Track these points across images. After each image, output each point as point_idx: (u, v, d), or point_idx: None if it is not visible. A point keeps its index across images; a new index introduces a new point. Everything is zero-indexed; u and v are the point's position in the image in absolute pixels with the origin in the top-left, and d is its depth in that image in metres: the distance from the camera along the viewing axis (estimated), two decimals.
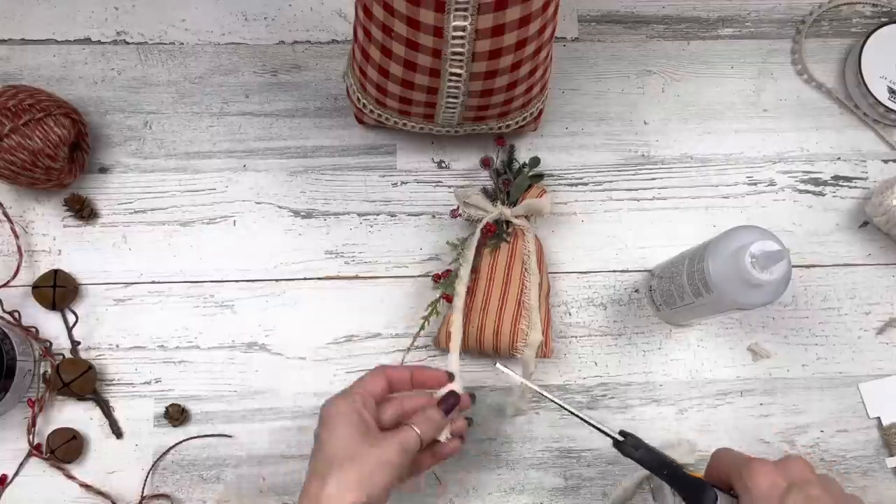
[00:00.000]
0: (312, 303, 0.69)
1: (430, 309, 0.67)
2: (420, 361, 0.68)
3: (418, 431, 0.53)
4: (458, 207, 0.67)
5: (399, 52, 0.57)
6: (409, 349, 0.67)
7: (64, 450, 0.64)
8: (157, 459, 0.65)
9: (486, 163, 0.71)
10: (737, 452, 0.48)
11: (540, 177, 0.70)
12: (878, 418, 0.67)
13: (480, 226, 0.66)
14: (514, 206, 0.67)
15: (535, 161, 0.70)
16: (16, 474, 0.65)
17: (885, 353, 0.69)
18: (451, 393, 0.57)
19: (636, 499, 0.66)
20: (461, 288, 0.63)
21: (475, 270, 0.66)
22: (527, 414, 0.67)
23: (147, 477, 0.65)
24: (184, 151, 0.71)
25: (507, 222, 0.67)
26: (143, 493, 0.65)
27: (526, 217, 0.67)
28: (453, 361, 0.59)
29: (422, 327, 0.66)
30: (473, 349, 0.66)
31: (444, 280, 0.67)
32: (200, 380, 0.67)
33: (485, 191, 0.69)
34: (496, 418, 0.67)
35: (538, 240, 0.67)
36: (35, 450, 0.64)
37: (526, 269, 0.65)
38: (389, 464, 0.50)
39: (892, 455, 0.67)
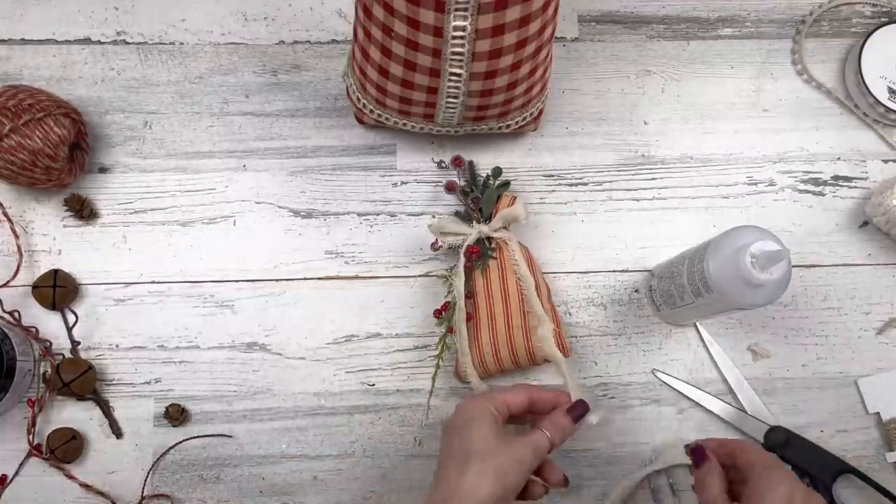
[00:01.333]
0: (312, 303, 0.69)
1: (439, 346, 0.67)
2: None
3: (548, 435, 0.54)
4: (437, 241, 0.67)
5: (399, 52, 0.57)
6: (430, 393, 0.67)
7: (64, 450, 0.64)
8: (157, 459, 0.65)
9: (450, 187, 0.70)
10: (768, 454, 0.54)
11: (507, 184, 0.69)
12: (878, 413, 0.67)
13: (462, 250, 0.65)
14: (490, 220, 0.67)
15: (498, 171, 0.69)
16: (16, 474, 0.65)
17: (884, 352, 0.69)
18: (581, 402, 0.57)
19: (636, 499, 0.66)
20: (460, 317, 0.64)
21: (471, 295, 0.66)
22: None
23: (147, 477, 0.65)
24: (184, 151, 0.71)
25: (489, 238, 0.66)
26: (143, 493, 0.65)
27: (505, 227, 0.67)
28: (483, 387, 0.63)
29: (437, 366, 0.67)
30: (496, 372, 0.66)
31: (445, 314, 0.67)
32: (200, 380, 0.67)
33: (458, 214, 0.69)
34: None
35: (523, 246, 0.67)
36: (35, 450, 0.64)
37: (519, 278, 0.64)
38: (522, 463, 0.52)
39: (891, 450, 0.67)
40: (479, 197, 0.68)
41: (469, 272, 0.66)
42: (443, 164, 0.72)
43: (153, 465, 0.65)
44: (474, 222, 0.67)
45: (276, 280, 0.69)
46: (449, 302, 0.67)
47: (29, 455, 0.65)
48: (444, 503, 0.50)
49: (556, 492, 0.65)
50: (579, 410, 0.57)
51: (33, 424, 0.64)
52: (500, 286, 0.65)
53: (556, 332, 0.63)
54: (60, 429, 0.64)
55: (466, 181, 0.70)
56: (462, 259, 0.65)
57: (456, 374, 0.67)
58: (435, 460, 0.66)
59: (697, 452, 0.55)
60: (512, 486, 0.51)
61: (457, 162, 0.70)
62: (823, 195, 0.72)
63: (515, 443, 0.53)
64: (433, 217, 0.70)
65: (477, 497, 0.50)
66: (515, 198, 0.67)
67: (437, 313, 0.67)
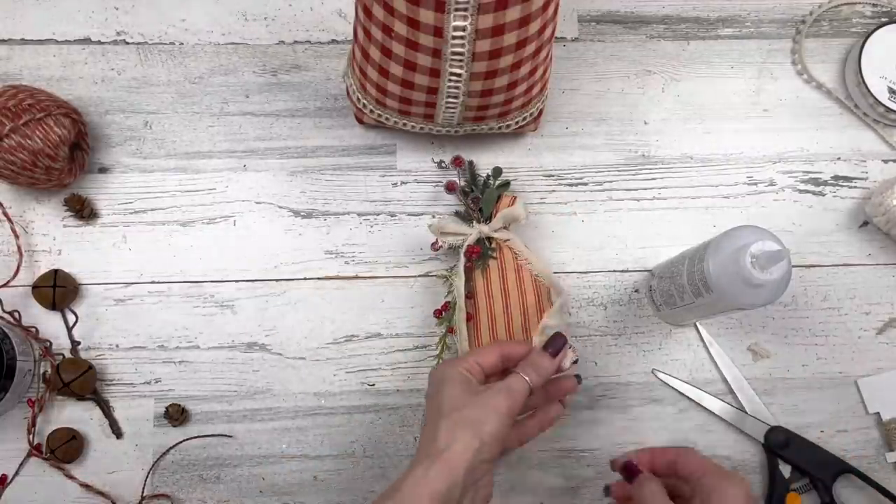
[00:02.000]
0: (312, 303, 0.69)
1: (439, 346, 0.67)
2: None
3: (524, 376, 0.52)
4: (437, 241, 0.67)
5: (399, 52, 0.57)
6: None
7: (64, 450, 0.64)
8: (157, 459, 0.65)
9: (450, 187, 0.70)
10: (711, 461, 0.51)
11: (507, 184, 0.69)
12: (878, 413, 0.67)
13: (463, 250, 0.65)
14: (490, 220, 0.67)
15: (498, 171, 0.69)
16: (16, 474, 0.65)
17: (884, 352, 0.69)
18: (558, 334, 0.55)
19: None
20: (461, 317, 0.64)
21: (472, 295, 0.66)
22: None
23: (147, 477, 0.65)
24: (184, 151, 0.71)
25: (489, 238, 0.66)
26: (143, 493, 0.65)
27: (505, 227, 0.67)
28: None
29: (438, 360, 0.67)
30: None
31: (445, 314, 0.67)
32: (200, 380, 0.67)
33: (457, 214, 0.69)
34: None
35: (525, 247, 0.67)
36: (35, 450, 0.64)
37: (532, 272, 0.65)
38: (496, 408, 0.50)
39: (892, 450, 0.67)
40: (480, 197, 0.68)
41: (469, 272, 0.66)
42: (443, 164, 0.71)
43: (153, 465, 0.65)
44: (474, 222, 0.67)
45: (276, 280, 0.69)
46: (449, 302, 0.67)
47: (29, 455, 0.65)
48: (424, 465, 0.48)
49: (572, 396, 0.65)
50: (556, 344, 0.54)
51: (33, 424, 0.64)
52: (500, 286, 0.65)
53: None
54: (60, 429, 0.64)
55: (466, 181, 0.70)
56: (462, 259, 0.65)
57: None
58: None
59: (628, 468, 0.52)
60: (490, 434, 0.49)
61: (457, 162, 0.70)
62: (823, 195, 0.72)
63: (486, 391, 0.51)
64: (433, 217, 0.70)
65: (454, 452, 0.48)
66: (515, 198, 0.67)
67: (437, 313, 0.67)
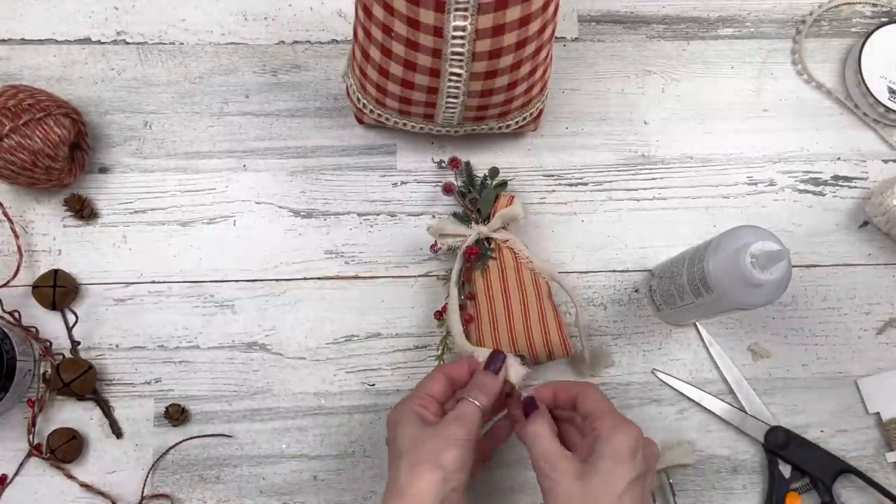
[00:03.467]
0: (312, 303, 0.69)
1: (441, 347, 0.67)
2: None
3: (472, 399, 0.53)
4: (436, 243, 0.67)
5: (399, 52, 0.57)
6: None
7: (64, 450, 0.64)
8: (157, 459, 0.65)
9: (448, 188, 0.70)
10: (608, 401, 0.53)
11: (504, 184, 0.69)
12: (878, 413, 0.68)
13: (461, 252, 0.65)
14: (488, 221, 0.67)
15: (495, 171, 0.69)
16: (16, 474, 0.65)
17: (884, 352, 0.69)
18: (495, 351, 0.56)
19: None
20: (454, 316, 0.63)
21: (473, 297, 0.66)
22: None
23: (147, 477, 0.65)
24: (184, 151, 0.71)
25: (487, 239, 0.66)
26: (143, 493, 0.65)
27: (504, 227, 0.67)
28: None
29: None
30: None
31: (446, 316, 0.67)
32: (200, 380, 0.67)
33: (455, 215, 0.69)
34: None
35: (524, 247, 0.67)
36: (35, 450, 0.64)
37: (533, 270, 0.65)
38: (452, 437, 0.50)
39: (892, 450, 0.67)
40: (477, 198, 0.68)
41: (469, 273, 0.66)
42: (443, 164, 0.71)
43: (153, 465, 0.65)
44: (473, 223, 0.67)
45: (276, 280, 0.69)
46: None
47: (29, 455, 0.65)
48: None
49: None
50: (494, 362, 0.55)
51: (33, 424, 0.64)
52: (500, 286, 0.65)
53: (559, 332, 0.63)
54: (60, 429, 0.64)
55: (464, 182, 0.69)
56: (458, 262, 0.65)
57: None
58: None
59: (528, 403, 0.53)
60: (451, 463, 0.49)
61: (454, 163, 0.70)
62: (823, 195, 0.72)
63: (439, 424, 0.52)
64: (433, 217, 0.70)
65: (419, 490, 0.48)
66: (513, 197, 0.67)
67: (438, 315, 0.67)
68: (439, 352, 0.67)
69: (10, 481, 0.64)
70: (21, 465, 0.65)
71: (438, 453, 0.49)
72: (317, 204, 0.71)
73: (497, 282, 0.65)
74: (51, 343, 0.67)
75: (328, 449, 0.66)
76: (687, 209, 0.72)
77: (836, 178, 0.73)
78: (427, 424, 0.52)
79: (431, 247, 0.68)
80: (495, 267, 0.66)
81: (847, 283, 0.71)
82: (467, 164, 0.70)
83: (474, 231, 0.66)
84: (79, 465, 0.65)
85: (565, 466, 0.49)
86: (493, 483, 0.66)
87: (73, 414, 0.66)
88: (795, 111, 0.74)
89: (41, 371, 0.66)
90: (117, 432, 0.66)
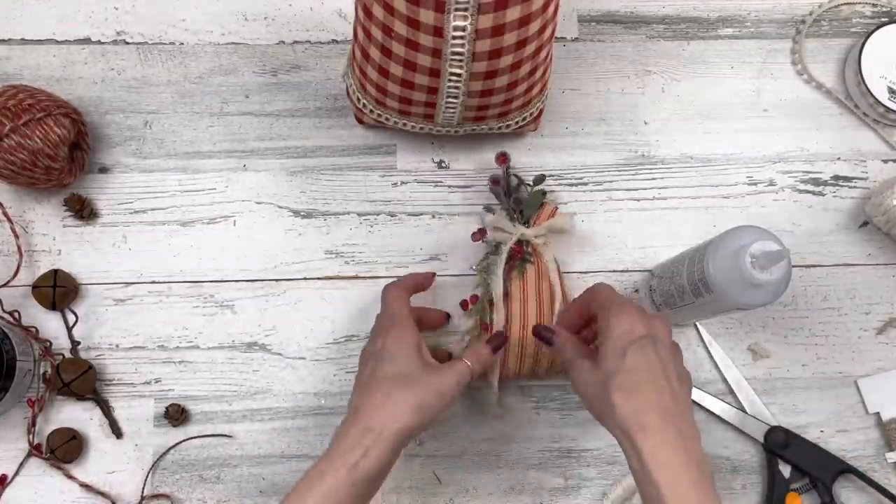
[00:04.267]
0: (312, 303, 0.69)
1: (468, 339, 0.67)
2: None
3: (470, 365, 0.57)
4: (485, 231, 0.67)
5: (399, 52, 0.57)
6: None
7: (64, 450, 0.64)
8: (157, 459, 0.65)
9: (496, 182, 0.70)
10: (615, 293, 0.54)
11: (544, 193, 0.70)
12: (878, 413, 0.68)
13: (506, 249, 0.65)
14: (527, 224, 0.67)
15: (541, 178, 0.69)
16: (16, 474, 0.65)
17: (884, 352, 0.69)
18: (499, 333, 0.61)
19: (635, 499, 0.66)
20: (500, 317, 0.64)
21: (507, 295, 0.65)
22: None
23: (147, 477, 0.65)
24: (184, 151, 0.71)
25: (526, 242, 0.66)
26: (143, 493, 0.65)
27: (544, 235, 0.67)
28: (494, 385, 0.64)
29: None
30: (515, 371, 0.65)
31: (474, 305, 0.67)
32: (200, 380, 0.67)
33: (486, 208, 0.70)
34: (496, 418, 0.67)
35: (556, 261, 0.67)
36: (35, 450, 0.64)
37: (550, 282, 0.65)
38: (444, 395, 0.54)
39: (892, 450, 0.67)
40: (521, 200, 0.68)
41: (508, 272, 0.66)
42: (443, 164, 0.72)
43: (153, 465, 0.65)
44: (516, 223, 0.67)
45: (276, 280, 0.69)
46: (477, 295, 0.67)
47: (29, 455, 0.65)
48: (362, 433, 0.51)
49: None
50: (497, 341, 0.60)
51: (33, 424, 0.64)
52: (535, 290, 0.65)
53: None
54: (60, 429, 0.64)
55: (506, 181, 0.69)
56: (504, 257, 0.65)
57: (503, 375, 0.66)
58: (435, 461, 0.66)
59: (542, 334, 0.55)
60: (430, 418, 0.53)
61: (501, 159, 0.70)
62: (823, 195, 0.72)
63: (441, 373, 0.55)
64: (433, 217, 0.70)
65: (394, 429, 0.52)
66: (556, 208, 0.68)
67: (465, 305, 0.68)
68: (467, 343, 0.66)
69: (10, 481, 0.64)
70: (21, 465, 0.65)
71: (430, 404, 0.53)
72: (317, 204, 0.71)
73: (533, 287, 0.65)
74: (51, 343, 0.67)
75: None
76: (687, 209, 0.72)
77: (836, 178, 0.73)
78: (423, 360, 0.56)
79: (475, 234, 0.68)
80: (532, 271, 0.65)
81: (847, 283, 0.71)
82: (508, 162, 0.70)
83: (518, 231, 0.66)
84: (79, 465, 0.65)
85: (581, 363, 0.52)
86: (494, 483, 0.66)
87: (73, 414, 0.66)
88: (795, 111, 0.74)
89: (41, 371, 0.66)
90: (117, 432, 0.66)
